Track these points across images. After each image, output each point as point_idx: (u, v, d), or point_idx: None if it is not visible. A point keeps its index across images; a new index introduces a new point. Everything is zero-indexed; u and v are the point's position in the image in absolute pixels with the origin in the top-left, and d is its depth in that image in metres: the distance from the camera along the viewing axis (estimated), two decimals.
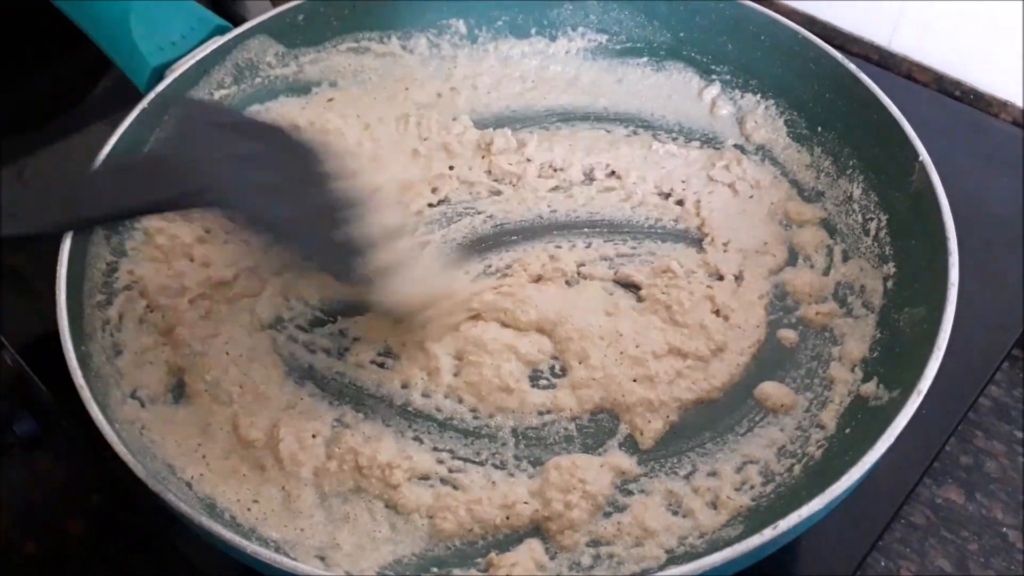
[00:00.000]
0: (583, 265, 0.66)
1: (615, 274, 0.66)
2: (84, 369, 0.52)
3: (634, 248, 0.68)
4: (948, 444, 0.63)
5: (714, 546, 0.51)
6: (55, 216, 0.43)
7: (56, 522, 0.61)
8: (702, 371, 0.60)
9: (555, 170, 0.73)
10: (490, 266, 0.67)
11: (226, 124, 0.53)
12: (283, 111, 0.74)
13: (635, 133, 0.75)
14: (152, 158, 0.49)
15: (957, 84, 0.86)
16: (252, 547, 0.44)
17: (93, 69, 0.86)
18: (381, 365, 0.61)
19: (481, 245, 0.68)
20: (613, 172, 0.72)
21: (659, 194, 0.71)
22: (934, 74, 0.87)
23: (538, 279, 0.65)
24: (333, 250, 0.54)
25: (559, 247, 0.68)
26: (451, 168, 0.72)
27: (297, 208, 0.53)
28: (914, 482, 0.60)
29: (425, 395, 0.60)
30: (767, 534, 0.43)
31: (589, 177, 0.72)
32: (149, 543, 0.59)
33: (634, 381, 0.59)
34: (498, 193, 0.71)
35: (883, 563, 0.58)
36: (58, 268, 0.56)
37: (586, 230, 0.69)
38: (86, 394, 0.50)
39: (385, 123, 0.74)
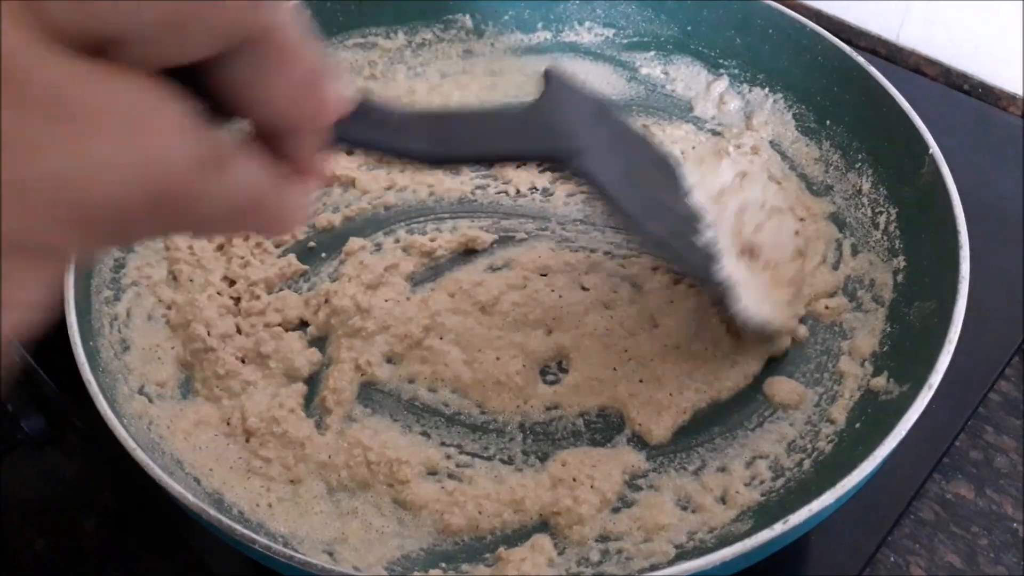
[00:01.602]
0: (589, 258, 0.66)
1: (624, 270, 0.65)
2: (92, 364, 0.52)
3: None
4: (958, 439, 0.62)
5: (724, 541, 0.50)
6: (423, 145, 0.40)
7: (66, 519, 0.61)
8: (712, 373, 0.59)
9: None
10: (491, 266, 0.67)
11: (594, 106, 0.53)
12: None
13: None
14: (525, 112, 0.47)
15: (965, 78, 0.85)
16: (262, 541, 0.44)
17: None
18: (388, 360, 0.61)
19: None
20: None
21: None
22: (942, 68, 0.86)
23: (544, 274, 0.65)
24: (694, 250, 0.54)
25: (563, 241, 0.68)
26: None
27: (657, 203, 0.54)
28: (923, 477, 0.60)
29: (431, 390, 0.60)
30: (777, 528, 0.43)
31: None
32: (160, 540, 0.59)
33: (640, 382, 0.59)
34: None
35: (892, 559, 0.58)
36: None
37: (588, 223, 0.69)
38: (94, 389, 0.50)
39: None
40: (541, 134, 0.47)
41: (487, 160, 0.52)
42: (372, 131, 0.37)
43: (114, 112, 0.21)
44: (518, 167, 0.72)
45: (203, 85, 0.25)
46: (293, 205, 0.27)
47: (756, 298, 0.57)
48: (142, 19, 0.21)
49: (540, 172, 0.71)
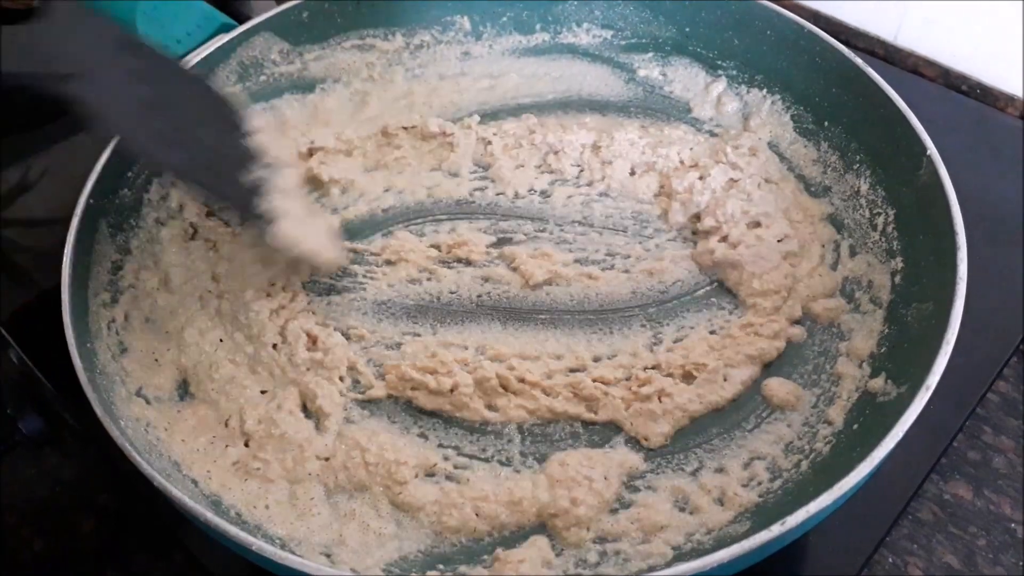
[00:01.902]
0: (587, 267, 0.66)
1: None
2: (88, 367, 0.52)
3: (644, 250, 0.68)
4: (956, 440, 0.62)
5: (721, 543, 0.51)
6: None
7: (64, 520, 0.61)
8: (709, 383, 0.59)
9: (555, 153, 0.73)
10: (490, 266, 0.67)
11: (119, 36, 0.53)
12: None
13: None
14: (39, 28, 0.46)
15: (963, 78, 0.85)
16: (258, 544, 0.44)
17: None
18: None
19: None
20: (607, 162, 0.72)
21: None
22: (940, 68, 0.86)
23: (535, 284, 0.65)
24: (233, 185, 0.56)
25: (562, 243, 0.68)
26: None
27: (190, 136, 0.54)
28: (922, 478, 0.60)
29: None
30: (775, 530, 0.43)
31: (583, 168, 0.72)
32: (157, 541, 0.59)
33: (635, 395, 0.59)
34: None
35: (890, 559, 0.58)
36: (63, 267, 0.56)
37: (586, 224, 0.69)
38: (91, 392, 0.50)
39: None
40: (29, 52, 0.45)
41: None
42: None
43: None
44: (515, 168, 0.72)
45: None
46: None
47: (296, 224, 0.60)
48: None
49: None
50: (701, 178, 0.69)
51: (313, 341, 0.61)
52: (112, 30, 0.51)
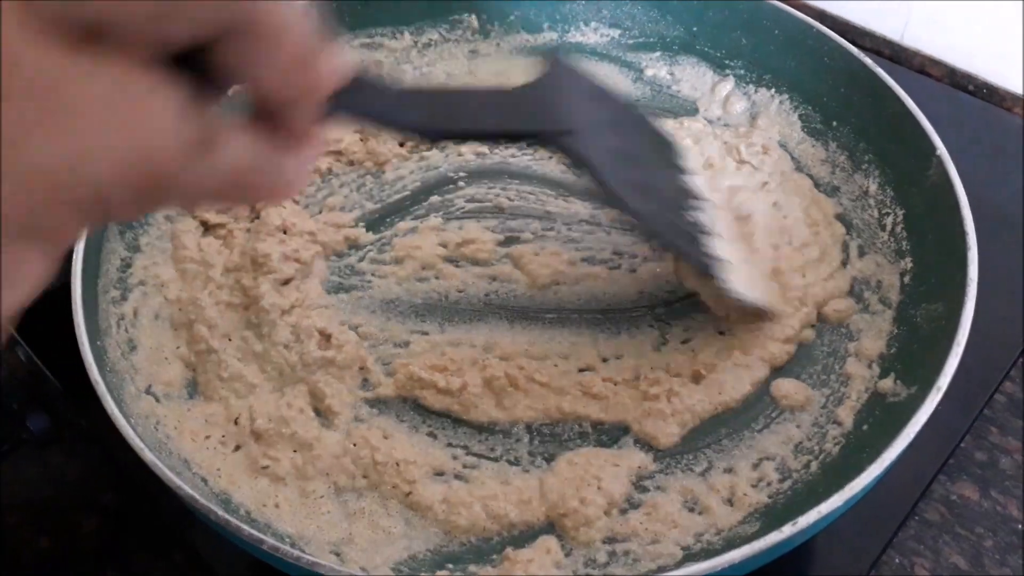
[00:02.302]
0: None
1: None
2: (99, 364, 0.52)
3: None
4: (963, 441, 0.62)
5: (731, 543, 0.51)
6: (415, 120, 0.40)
7: (70, 518, 0.61)
8: (718, 384, 0.59)
9: None
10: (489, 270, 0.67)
11: (593, 89, 0.54)
12: None
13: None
14: (523, 90, 0.48)
15: (970, 78, 0.85)
16: (270, 542, 0.44)
17: None
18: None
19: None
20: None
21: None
22: (947, 68, 0.86)
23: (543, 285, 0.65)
24: (680, 229, 0.55)
25: (569, 241, 0.68)
26: None
27: (649, 181, 0.54)
28: (929, 479, 0.60)
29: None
30: (786, 531, 0.43)
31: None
32: (163, 540, 0.59)
33: (643, 395, 0.58)
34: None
35: (897, 560, 0.58)
36: (73, 264, 0.56)
37: (594, 223, 0.69)
38: (102, 389, 0.50)
39: None
40: (536, 112, 0.48)
41: (482, 136, 0.53)
42: (370, 103, 0.38)
43: (103, 100, 0.22)
44: (524, 145, 0.72)
45: (198, 63, 0.25)
46: (288, 174, 0.28)
47: (743, 279, 0.58)
48: (128, 9, 0.22)
49: (529, 146, 0.71)
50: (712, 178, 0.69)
51: (327, 339, 0.61)
52: (587, 82, 0.53)
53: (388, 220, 0.70)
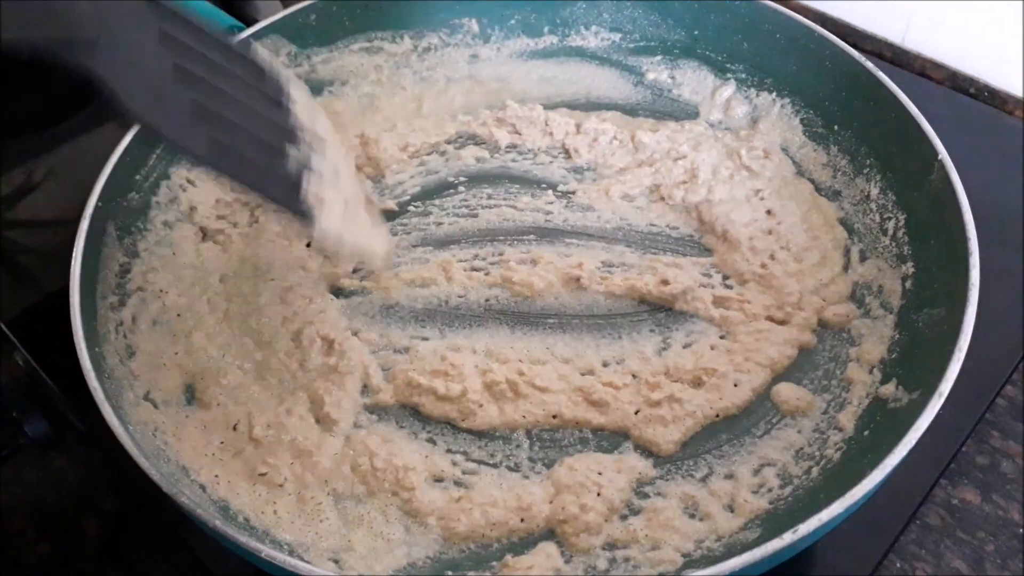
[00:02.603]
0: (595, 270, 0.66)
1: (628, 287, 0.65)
2: (98, 371, 0.52)
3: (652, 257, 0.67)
4: (964, 445, 0.62)
5: (731, 550, 0.51)
6: None
7: (70, 523, 0.61)
8: (719, 391, 0.59)
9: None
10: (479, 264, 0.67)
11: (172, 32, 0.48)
12: None
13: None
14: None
15: (971, 81, 0.85)
16: (267, 551, 0.43)
17: None
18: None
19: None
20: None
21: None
22: (948, 71, 0.86)
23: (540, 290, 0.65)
24: (271, 175, 0.50)
25: (567, 250, 0.68)
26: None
27: (234, 125, 0.49)
28: (931, 483, 0.60)
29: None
30: (787, 538, 0.43)
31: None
32: (162, 544, 0.59)
33: (644, 400, 0.58)
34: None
35: (898, 564, 0.58)
36: (71, 270, 0.56)
37: (593, 231, 0.69)
38: (100, 396, 0.50)
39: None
40: (39, 13, 0.41)
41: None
42: None
43: None
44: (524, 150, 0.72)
45: None
46: None
47: (341, 217, 0.53)
48: None
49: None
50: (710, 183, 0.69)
51: (329, 345, 0.61)
52: (151, 18, 0.46)
53: (389, 225, 0.70)
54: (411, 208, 0.71)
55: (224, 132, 0.48)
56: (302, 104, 0.54)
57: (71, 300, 0.54)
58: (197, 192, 0.69)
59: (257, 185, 0.50)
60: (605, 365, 0.61)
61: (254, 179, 0.49)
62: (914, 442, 0.47)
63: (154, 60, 0.45)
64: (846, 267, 0.65)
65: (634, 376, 0.60)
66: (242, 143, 0.49)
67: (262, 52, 0.55)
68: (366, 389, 0.60)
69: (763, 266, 0.64)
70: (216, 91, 0.49)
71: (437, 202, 0.71)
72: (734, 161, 0.71)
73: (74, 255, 0.57)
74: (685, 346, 0.62)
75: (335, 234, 0.52)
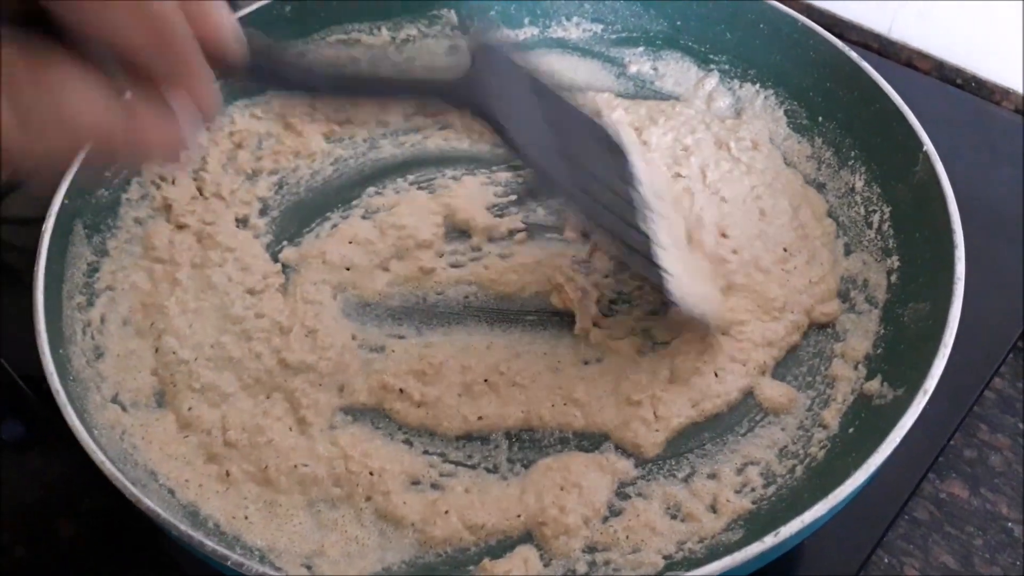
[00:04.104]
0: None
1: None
2: (61, 373, 0.51)
3: None
4: (952, 438, 0.61)
5: (714, 552, 0.50)
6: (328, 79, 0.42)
7: (46, 525, 0.60)
8: (702, 390, 0.58)
9: None
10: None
11: (527, 80, 0.52)
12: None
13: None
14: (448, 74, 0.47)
15: (958, 72, 0.84)
16: (235, 558, 0.42)
17: None
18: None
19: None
20: None
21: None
22: (935, 62, 0.85)
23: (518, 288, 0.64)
24: (632, 235, 0.53)
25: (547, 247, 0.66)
26: None
27: (591, 186, 0.52)
28: (918, 479, 0.59)
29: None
30: (768, 541, 0.42)
31: None
32: (140, 546, 0.58)
33: (626, 400, 0.57)
34: None
35: (886, 560, 0.57)
36: (35, 270, 0.55)
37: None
38: (62, 399, 0.49)
39: None
40: (466, 93, 0.46)
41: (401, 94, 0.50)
42: (282, 70, 0.39)
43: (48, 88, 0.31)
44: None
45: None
46: (175, 137, 0.35)
47: (689, 284, 0.56)
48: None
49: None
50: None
51: (307, 345, 0.60)
52: (525, 75, 0.51)
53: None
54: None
55: (586, 180, 0.51)
56: (646, 178, 0.56)
57: (35, 301, 0.53)
58: (172, 189, 0.67)
59: (616, 231, 0.53)
60: (586, 363, 0.60)
61: (612, 226, 0.52)
62: (898, 441, 0.46)
63: (527, 103, 0.50)
64: (835, 263, 0.64)
65: (615, 375, 0.58)
66: (601, 193, 0.52)
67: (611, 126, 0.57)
68: (343, 390, 0.59)
69: (747, 275, 0.63)
70: (579, 144, 0.53)
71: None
72: (724, 151, 0.70)
73: (38, 254, 0.56)
74: (666, 345, 0.61)
75: (688, 302, 0.55)
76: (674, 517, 0.53)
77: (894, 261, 0.61)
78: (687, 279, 0.56)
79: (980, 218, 0.64)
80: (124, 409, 0.56)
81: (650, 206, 0.55)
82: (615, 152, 0.55)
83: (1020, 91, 0.82)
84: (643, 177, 0.56)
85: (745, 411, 0.58)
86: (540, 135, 0.50)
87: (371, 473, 0.54)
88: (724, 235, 0.64)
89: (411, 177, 0.71)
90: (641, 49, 0.77)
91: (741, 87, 0.74)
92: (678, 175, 0.68)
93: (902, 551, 0.57)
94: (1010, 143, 0.78)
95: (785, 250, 0.64)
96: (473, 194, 0.69)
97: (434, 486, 0.55)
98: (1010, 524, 0.58)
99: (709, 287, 0.60)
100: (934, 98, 0.82)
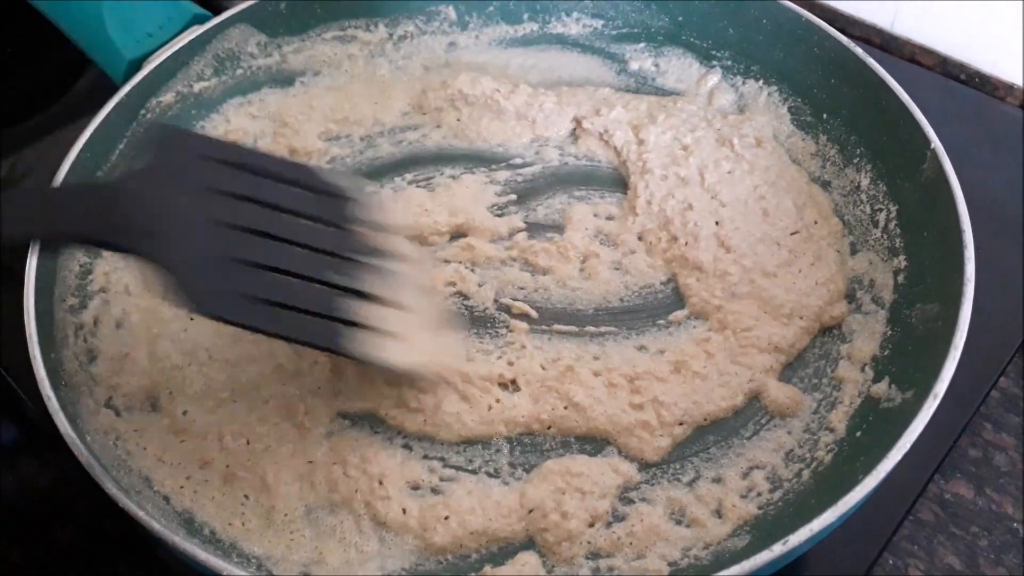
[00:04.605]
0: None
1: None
2: (53, 378, 0.50)
3: None
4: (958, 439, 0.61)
5: (719, 558, 0.49)
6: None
7: (42, 530, 0.59)
8: (706, 394, 0.57)
9: None
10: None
11: (219, 158, 0.50)
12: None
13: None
14: (110, 185, 0.47)
15: (962, 67, 0.84)
16: (229, 569, 0.42)
17: (73, 66, 0.84)
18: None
19: None
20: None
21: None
22: (938, 57, 0.85)
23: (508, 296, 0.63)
24: (313, 320, 0.50)
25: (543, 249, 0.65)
26: None
27: (284, 256, 0.50)
28: (924, 481, 0.59)
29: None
30: (777, 550, 0.42)
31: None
32: (135, 551, 0.57)
33: (629, 404, 0.56)
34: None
35: (891, 561, 0.57)
36: (26, 273, 0.54)
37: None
38: (54, 405, 0.48)
39: None
40: (116, 217, 0.46)
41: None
42: None
43: None
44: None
45: None
46: None
47: (409, 342, 0.52)
48: None
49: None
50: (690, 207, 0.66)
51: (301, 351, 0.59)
52: (214, 149, 0.50)
53: None
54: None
55: (276, 290, 0.49)
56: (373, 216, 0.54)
57: (26, 305, 0.53)
58: None
59: (308, 341, 0.51)
60: (588, 367, 0.59)
61: (303, 334, 0.50)
62: (908, 446, 0.45)
63: (210, 238, 0.48)
64: (842, 263, 0.63)
65: (614, 378, 0.58)
66: (294, 295, 0.50)
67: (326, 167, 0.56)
68: (339, 395, 0.58)
69: (751, 282, 0.62)
70: (290, 200, 0.51)
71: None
72: (728, 149, 0.69)
73: (29, 257, 0.55)
74: (667, 350, 0.60)
75: (410, 367, 0.53)
76: (679, 522, 0.52)
77: (901, 261, 0.60)
78: (410, 334, 0.53)
79: (984, 215, 0.63)
80: (118, 414, 0.56)
81: (371, 247, 0.52)
82: (333, 197, 0.53)
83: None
84: (370, 217, 0.53)
85: (750, 414, 0.57)
86: (206, 239, 0.48)
87: (370, 479, 0.53)
88: (724, 246, 0.63)
89: (409, 175, 0.70)
90: (642, 45, 0.77)
91: (744, 84, 0.73)
92: (677, 176, 0.67)
93: (907, 552, 0.57)
94: (1014, 138, 0.78)
95: (790, 252, 0.63)
96: (472, 193, 0.68)
97: (434, 491, 0.54)
98: (1015, 524, 0.58)
99: (434, 338, 0.56)
100: (938, 93, 0.82)
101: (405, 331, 0.52)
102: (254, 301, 0.48)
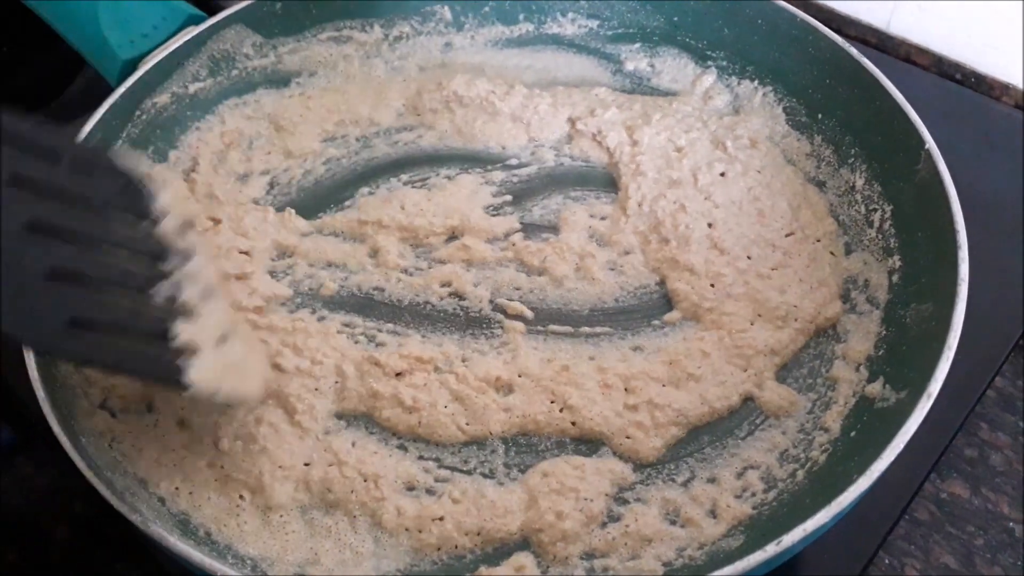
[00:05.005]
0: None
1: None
2: (46, 380, 0.50)
3: None
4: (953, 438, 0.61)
5: (714, 558, 0.49)
6: None
7: (39, 530, 0.59)
8: (701, 394, 0.57)
9: None
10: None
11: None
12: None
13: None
14: None
15: (957, 67, 0.84)
16: (224, 570, 0.42)
17: (68, 67, 0.84)
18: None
19: None
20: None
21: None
22: (934, 57, 0.85)
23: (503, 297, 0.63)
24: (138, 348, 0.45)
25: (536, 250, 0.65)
26: None
27: (82, 260, 0.44)
28: (920, 480, 0.59)
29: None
30: (771, 550, 0.42)
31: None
32: (132, 551, 0.57)
33: (624, 405, 0.56)
34: None
35: (887, 561, 0.57)
36: None
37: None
38: (47, 407, 0.48)
39: None
40: None
41: None
42: None
43: None
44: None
45: None
46: None
47: (210, 367, 0.47)
48: None
49: None
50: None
51: (299, 350, 0.59)
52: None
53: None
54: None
55: (84, 306, 0.44)
56: (169, 210, 0.48)
57: None
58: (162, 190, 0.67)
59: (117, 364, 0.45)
60: (582, 368, 0.59)
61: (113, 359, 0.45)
62: (902, 447, 0.45)
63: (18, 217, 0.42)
64: (836, 264, 0.63)
65: (612, 379, 0.58)
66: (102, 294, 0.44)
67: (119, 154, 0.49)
68: (336, 395, 0.58)
69: (745, 283, 0.62)
70: (86, 224, 0.45)
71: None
72: (722, 152, 0.69)
73: None
74: (663, 350, 0.60)
75: (208, 387, 0.46)
76: (673, 523, 0.52)
77: (895, 261, 0.60)
78: (215, 349, 0.47)
79: (979, 214, 0.64)
80: (113, 415, 0.55)
81: (180, 248, 0.47)
82: (127, 193, 0.47)
83: (1020, 86, 0.81)
84: (166, 209, 0.47)
85: (745, 414, 0.57)
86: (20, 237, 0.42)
87: (365, 479, 0.53)
88: (717, 248, 0.63)
89: (405, 176, 0.70)
90: (638, 45, 0.77)
91: (739, 84, 0.73)
92: (669, 178, 0.67)
93: (903, 552, 0.57)
94: (1010, 138, 0.78)
95: (784, 253, 0.63)
96: (468, 194, 0.68)
97: (429, 492, 0.54)
98: (1011, 524, 0.58)
99: (242, 352, 0.51)
100: (933, 93, 0.82)
101: (199, 343, 0.46)
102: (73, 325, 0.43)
